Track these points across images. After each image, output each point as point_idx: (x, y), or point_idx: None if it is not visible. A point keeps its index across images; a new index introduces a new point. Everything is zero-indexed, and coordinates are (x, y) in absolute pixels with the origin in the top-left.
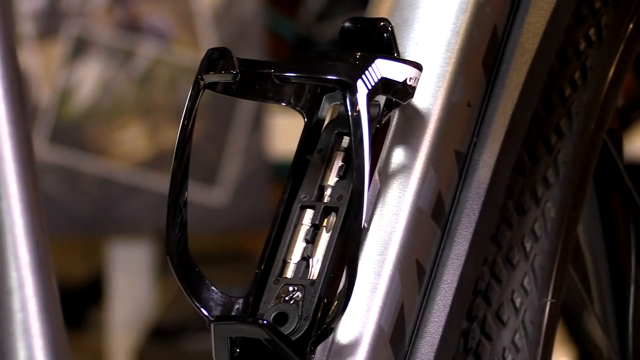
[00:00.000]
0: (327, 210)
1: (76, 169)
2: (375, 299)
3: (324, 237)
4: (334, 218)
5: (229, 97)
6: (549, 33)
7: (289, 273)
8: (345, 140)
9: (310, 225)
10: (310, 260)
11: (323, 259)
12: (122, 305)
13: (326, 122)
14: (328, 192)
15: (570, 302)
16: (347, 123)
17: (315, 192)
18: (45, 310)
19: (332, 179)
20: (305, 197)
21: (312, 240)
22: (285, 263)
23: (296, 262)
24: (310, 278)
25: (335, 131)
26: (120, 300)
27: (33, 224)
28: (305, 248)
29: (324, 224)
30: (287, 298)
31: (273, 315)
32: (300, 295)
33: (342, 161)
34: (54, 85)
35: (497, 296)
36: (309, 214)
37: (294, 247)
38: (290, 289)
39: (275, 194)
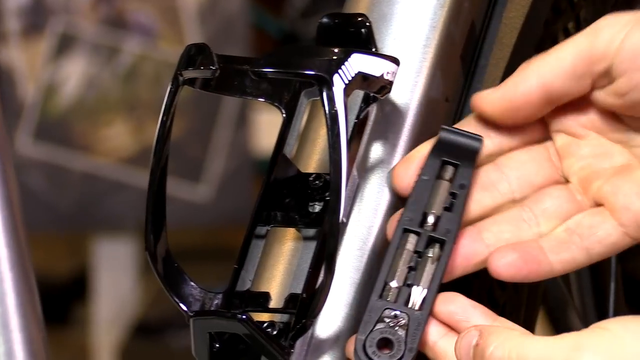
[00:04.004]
0: (431, 239)
1: (61, 166)
2: (354, 294)
3: (429, 268)
4: (438, 249)
5: (212, 94)
6: (527, 27)
7: (392, 297)
8: (451, 170)
9: (413, 251)
10: (414, 288)
11: (429, 290)
12: (106, 302)
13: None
14: (431, 220)
15: (552, 297)
16: (452, 152)
17: (420, 217)
18: (24, 305)
19: (439, 209)
20: (410, 219)
21: (415, 267)
22: (386, 285)
23: (398, 287)
24: (415, 307)
25: (442, 159)
26: (105, 296)
27: (10, 218)
28: (408, 274)
29: (429, 253)
30: (391, 325)
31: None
32: (405, 323)
33: (449, 192)
34: (39, 82)
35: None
36: (412, 239)
37: (396, 270)
38: (393, 314)
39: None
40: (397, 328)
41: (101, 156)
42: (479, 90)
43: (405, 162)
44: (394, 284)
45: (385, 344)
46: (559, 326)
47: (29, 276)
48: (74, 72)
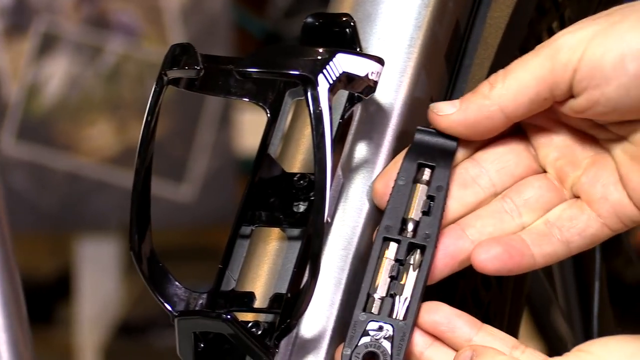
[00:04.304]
0: (412, 246)
1: (44, 165)
2: (339, 294)
3: (411, 275)
4: (419, 255)
5: (196, 93)
6: (512, 27)
7: (375, 309)
8: (427, 173)
9: (394, 259)
10: (397, 297)
11: (412, 299)
12: (90, 301)
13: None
14: (410, 226)
15: (536, 296)
16: (428, 153)
17: (399, 224)
18: (9, 304)
19: (417, 214)
20: (389, 227)
21: (397, 276)
22: (369, 297)
23: (381, 297)
24: (399, 318)
25: (418, 162)
26: (88, 296)
27: None
28: (390, 284)
29: (410, 261)
30: (376, 337)
31: (364, 353)
32: (390, 334)
33: (426, 196)
34: (22, 82)
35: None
36: (392, 247)
37: (378, 280)
38: (378, 326)
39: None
40: (382, 340)
41: (84, 156)
42: (463, 90)
43: (383, 177)
44: (377, 295)
45: (371, 357)
46: (543, 326)
47: (13, 276)
48: (57, 72)
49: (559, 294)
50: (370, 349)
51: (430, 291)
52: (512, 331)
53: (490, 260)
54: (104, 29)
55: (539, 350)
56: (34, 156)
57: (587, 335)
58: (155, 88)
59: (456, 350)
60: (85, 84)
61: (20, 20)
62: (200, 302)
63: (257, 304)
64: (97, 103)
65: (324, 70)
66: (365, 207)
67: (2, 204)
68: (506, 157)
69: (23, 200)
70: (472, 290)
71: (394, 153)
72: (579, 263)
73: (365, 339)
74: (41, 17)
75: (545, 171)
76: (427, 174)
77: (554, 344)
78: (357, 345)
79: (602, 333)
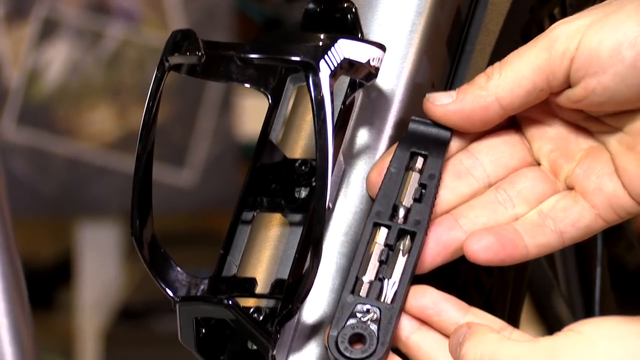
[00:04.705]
0: (402, 232)
1: (45, 150)
2: (340, 279)
3: (400, 260)
4: (409, 241)
5: (197, 79)
6: (513, 13)
7: (363, 292)
8: (420, 161)
9: (384, 244)
10: (386, 281)
11: (400, 283)
12: (90, 286)
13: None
14: (401, 212)
15: (538, 282)
16: (422, 143)
17: (390, 210)
18: (10, 289)
19: (408, 201)
20: (380, 213)
21: (386, 261)
22: (357, 280)
23: (370, 281)
24: (387, 301)
25: (411, 150)
26: (89, 281)
27: None
28: (379, 268)
29: (400, 246)
30: (364, 319)
31: (350, 335)
32: (377, 317)
33: (418, 183)
34: (22, 67)
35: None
36: (383, 232)
37: (367, 264)
38: (365, 309)
39: (244, 175)
40: (369, 323)
41: (85, 141)
42: (465, 76)
43: (377, 167)
44: (365, 278)
45: (357, 339)
46: (544, 312)
47: (14, 261)
48: (58, 57)
49: (560, 279)
50: (356, 330)
51: (432, 277)
52: (514, 317)
53: (483, 250)
54: (105, 14)
55: (541, 336)
56: (34, 141)
57: None
58: (156, 74)
59: (444, 334)
60: (85, 69)
61: (20, 5)
62: (202, 287)
63: (259, 289)
64: (97, 88)
65: (326, 56)
66: (367, 193)
67: (3, 189)
68: (500, 149)
69: (24, 186)
70: (474, 276)
71: (395, 139)
72: (580, 249)
73: (352, 321)
74: (42, 3)
75: (539, 163)
76: (419, 162)
77: (555, 329)
78: (344, 327)
79: None
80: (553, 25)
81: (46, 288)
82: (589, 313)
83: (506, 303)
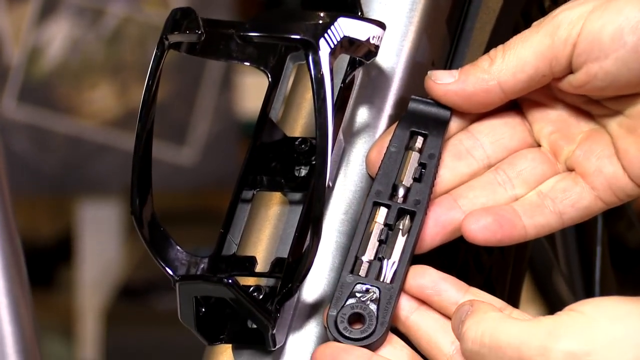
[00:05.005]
0: (402, 211)
1: (45, 128)
2: (341, 258)
3: (400, 240)
4: (408, 221)
5: (197, 57)
6: None
7: (362, 271)
8: (420, 141)
9: (384, 224)
10: (385, 261)
11: (399, 263)
12: (91, 264)
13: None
14: (401, 192)
15: (538, 261)
16: (422, 122)
17: (389, 190)
18: (9, 268)
19: (408, 180)
20: (379, 192)
21: (385, 240)
22: (357, 260)
23: (369, 261)
24: (386, 281)
25: (410, 129)
26: (90, 259)
27: None
28: (379, 248)
29: (400, 226)
30: (363, 299)
31: (350, 314)
32: (376, 297)
33: (418, 163)
34: (23, 45)
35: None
36: (382, 212)
37: (367, 244)
38: (365, 288)
39: (244, 153)
40: (368, 302)
41: (86, 119)
42: (465, 54)
43: (376, 146)
44: (365, 258)
45: (357, 318)
46: (545, 291)
47: (14, 239)
48: (59, 35)
49: (560, 259)
50: (356, 310)
51: (432, 256)
52: (514, 295)
53: (480, 230)
54: None
55: (542, 315)
56: (35, 119)
57: None
58: (156, 52)
59: (443, 314)
60: (86, 47)
61: None
62: (202, 266)
63: (259, 268)
64: (98, 66)
65: (326, 35)
66: (367, 171)
67: (3, 167)
68: (501, 130)
69: (24, 163)
70: (474, 255)
71: (395, 117)
72: (580, 229)
73: (351, 301)
74: None
75: (539, 145)
76: (419, 141)
77: (556, 308)
78: (343, 307)
79: None
80: (556, 11)
81: (46, 266)
82: (589, 292)
83: (506, 282)
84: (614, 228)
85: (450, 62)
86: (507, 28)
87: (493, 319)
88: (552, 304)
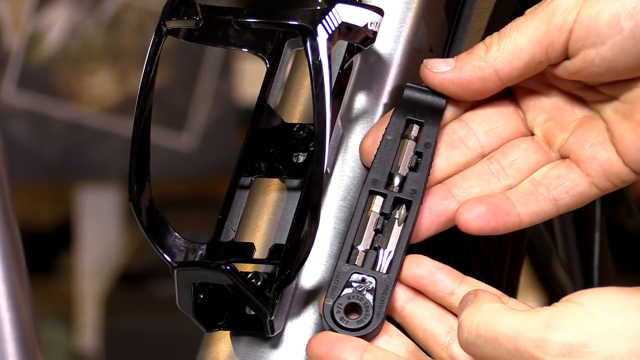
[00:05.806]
0: (398, 201)
1: (44, 114)
2: (339, 245)
3: (396, 230)
4: (404, 210)
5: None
6: None
7: (358, 261)
8: (416, 129)
9: (379, 213)
10: (381, 251)
11: (395, 253)
12: (90, 251)
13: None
14: (397, 181)
15: (536, 247)
16: (417, 110)
17: (385, 179)
18: (7, 255)
19: (404, 169)
20: (375, 181)
21: (381, 229)
22: (353, 249)
23: (365, 250)
24: (382, 271)
25: (406, 117)
26: (89, 245)
27: None
28: (375, 237)
29: (396, 215)
30: (359, 289)
31: (346, 304)
32: (372, 287)
33: (414, 152)
34: (23, 31)
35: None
36: (378, 201)
37: (362, 233)
38: (361, 278)
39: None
40: (365, 292)
41: (85, 105)
42: (462, 40)
43: (371, 135)
44: (361, 247)
45: (353, 308)
46: (543, 277)
47: (12, 225)
48: (58, 21)
49: (559, 245)
50: (352, 300)
51: (429, 243)
52: (513, 281)
53: (474, 219)
54: None
55: (540, 301)
56: (34, 105)
57: (588, 287)
58: (154, 39)
59: (438, 304)
60: (85, 33)
61: None
62: (200, 252)
63: (257, 254)
64: (97, 52)
65: (323, 21)
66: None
67: (2, 153)
68: (494, 119)
69: (23, 150)
70: (472, 242)
71: (392, 103)
72: (579, 215)
73: (347, 290)
74: None
75: (533, 134)
76: (415, 130)
77: (554, 294)
78: (339, 296)
79: (603, 284)
80: None
81: (46, 253)
82: (587, 278)
83: (505, 268)
84: (613, 214)
85: (448, 48)
86: (505, 14)
87: (490, 310)
88: (550, 290)
